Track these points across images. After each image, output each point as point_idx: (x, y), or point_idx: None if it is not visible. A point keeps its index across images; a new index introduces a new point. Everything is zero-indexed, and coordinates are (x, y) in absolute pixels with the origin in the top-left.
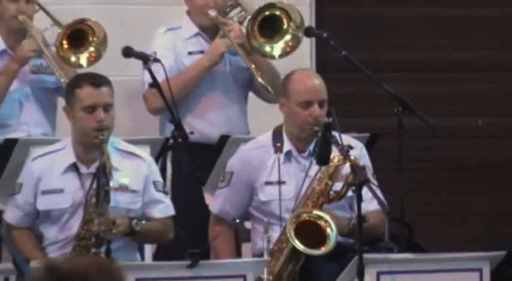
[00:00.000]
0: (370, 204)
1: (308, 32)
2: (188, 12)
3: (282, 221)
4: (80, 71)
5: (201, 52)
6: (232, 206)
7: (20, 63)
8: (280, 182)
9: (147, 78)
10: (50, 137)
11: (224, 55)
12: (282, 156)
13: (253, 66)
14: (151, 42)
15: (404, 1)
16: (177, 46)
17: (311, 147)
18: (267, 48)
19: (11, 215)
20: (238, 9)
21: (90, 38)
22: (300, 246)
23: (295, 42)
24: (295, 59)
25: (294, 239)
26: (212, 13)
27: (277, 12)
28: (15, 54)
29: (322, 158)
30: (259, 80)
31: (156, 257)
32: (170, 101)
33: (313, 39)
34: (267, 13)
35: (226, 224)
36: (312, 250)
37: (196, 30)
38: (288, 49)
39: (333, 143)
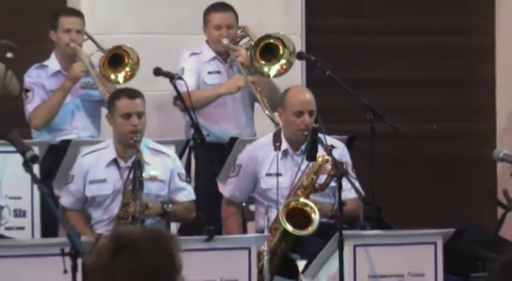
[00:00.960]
0: (350, 193)
1: (300, 56)
2: (207, 41)
3: (279, 205)
4: (118, 86)
5: (218, 72)
6: (240, 191)
7: (73, 81)
8: (278, 174)
9: (174, 92)
10: (96, 138)
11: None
12: (280, 153)
13: (252, 84)
14: (179, 63)
15: (373, 33)
16: (198, 67)
17: (303, 147)
18: (265, 69)
19: (65, 200)
20: (247, 38)
21: (126, 60)
22: (289, 228)
23: (288, 66)
24: (290, 77)
25: (286, 222)
26: (225, 41)
27: (274, 41)
28: (69, 74)
29: (310, 155)
30: (267, 113)
31: (180, 233)
32: (191, 110)
33: (304, 61)
34: (267, 41)
35: (235, 206)
36: (300, 231)
37: (213, 54)
38: (282, 71)
39: (319, 143)
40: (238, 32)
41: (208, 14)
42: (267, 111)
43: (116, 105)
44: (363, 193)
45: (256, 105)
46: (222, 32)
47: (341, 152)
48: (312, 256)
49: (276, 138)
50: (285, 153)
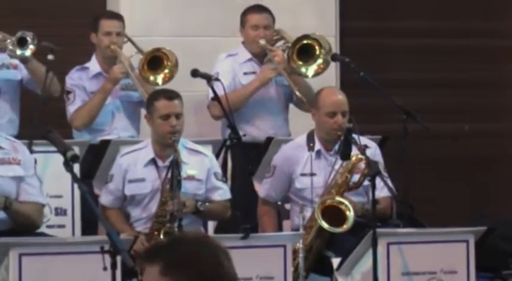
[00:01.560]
0: (382, 191)
1: (334, 58)
2: (243, 42)
3: (313, 204)
4: (156, 88)
5: (254, 73)
6: (276, 191)
7: (113, 83)
8: (312, 174)
9: (210, 93)
10: (135, 138)
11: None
12: (313, 154)
13: (292, 83)
14: (215, 65)
15: (405, 35)
16: (235, 68)
17: (336, 147)
18: (303, 70)
19: (105, 199)
20: (282, 41)
21: (165, 62)
22: (325, 225)
23: (325, 65)
24: (324, 78)
25: (321, 219)
26: (262, 42)
27: (311, 42)
28: (109, 76)
29: (345, 155)
30: (297, 93)
31: (217, 231)
32: (227, 111)
33: (338, 63)
34: (303, 42)
35: (270, 206)
36: (335, 228)
37: (249, 56)
38: (320, 71)
39: (353, 143)
40: (274, 34)
41: (246, 15)
42: (297, 92)
43: (154, 106)
44: (395, 191)
45: (291, 106)
46: (259, 32)
47: (373, 151)
48: (346, 253)
49: (310, 139)
50: (319, 153)
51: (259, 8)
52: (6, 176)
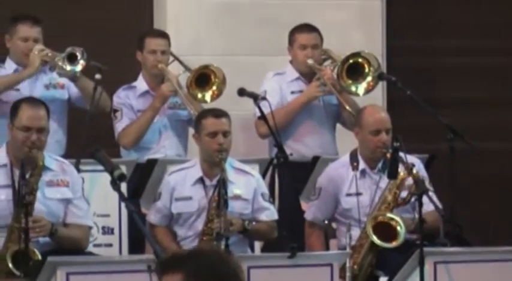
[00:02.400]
0: (428, 206)
1: (380, 76)
2: (291, 61)
3: (360, 223)
4: (205, 105)
5: (301, 91)
6: (322, 213)
7: (162, 102)
8: (358, 194)
9: (257, 112)
10: (182, 157)
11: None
12: (358, 173)
13: (342, 100)
14: (263, 83)
15: (452, 54)
16: (282, 87)
17: (380, 165)
18: (353, 88)
19: (153, 217)
20: (329, 60)
21: (213, 79)
22: (377, 241)
23: (375, 82)
24: (371, 97)
25: (373, 235)
26: (310, 62)
27: (360, 60)
28: (158, 94)
29: (392, 174)
30: (348, 108)
31: (264, 250)
32: (274, 130)
33: (385, 82)
34: (352, 60)
35: (317, 227)
36: (387, 244)
37: (297, 75)
38: (370, 88)
39: (400, 161)
40: (321, 54)
41: (294, 34)
42: (347, 107)
43: (202, 124)
44: (441, 207)
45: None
46: (307, 52)
47: (417, 167)
48: (393, 272)
49: (353, 158)
50: (363, 172)
51: (308, 28)
52: (54, 199)
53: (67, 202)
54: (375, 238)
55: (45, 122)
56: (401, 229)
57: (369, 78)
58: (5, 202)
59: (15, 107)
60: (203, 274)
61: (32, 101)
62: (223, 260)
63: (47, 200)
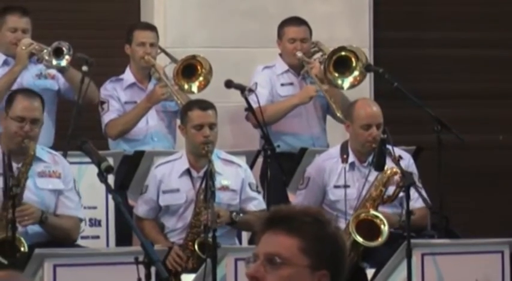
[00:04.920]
0: (417, 202)
1: (368, 68)
2: (280, 54)
3: (347, 215)
4: (192, 96)
5: (291, 84)
6: (309, 203)
7: (153, 103)
8: (345, 186)
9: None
10: (171, 149)
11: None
12: (347, 165)
13: (329, 97)
14: (253, 77)
15: (439, 45)
16: (272, 80)
17: (370, 158)
18: (339, 81)
19: (140, 210)
20: (320, 53)
21: (199, 70)
22: (359, 239)
23: (362, 77)
24: (358, 89)
25: (356, 234)
26: (299, 54)
27: (348, 54)
28: (150, 96)
29: (379, 166)
30: (333, 106)
31: (251, 241)
32: (261, 122)
33: (372, 73)
34: (340, 54)
35: None
36: (369, 242)
37: (286, 67)
38: (355, 83)
39: (387, 154)
40: (311, 46)
41: (283, 27)
42: (338, 113)
43: (188, 116)
44: (429, 202)
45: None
46: (296, 45)
47: (407, 162)
48: (380, 264)
49: (343, 150)
50: (352, 165)
51: (297, 21)
52: (46, 189)
53: (58, 193)
54: (357, 237)
55: (39, 114)
56: (384, 227)
57: (356, 73)
58: None
59: (11, 97)
60: (323, 247)
61: (27, 92)
62: (341, 235)
63: (39, 190)
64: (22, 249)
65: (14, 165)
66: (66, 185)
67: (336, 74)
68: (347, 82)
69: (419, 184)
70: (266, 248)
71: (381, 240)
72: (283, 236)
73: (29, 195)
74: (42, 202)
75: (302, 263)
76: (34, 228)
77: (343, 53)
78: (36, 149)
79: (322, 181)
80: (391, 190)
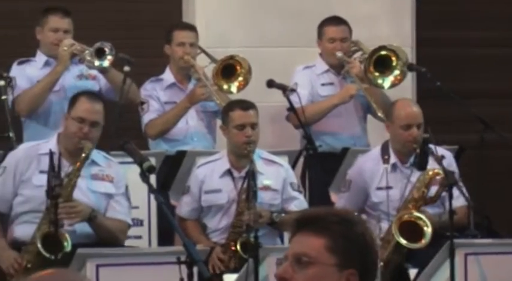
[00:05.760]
0: (458, 201)
1: (410, 68)
2: (320, 54)
3: (389, 217)
4: (232, 96)
5: (331, 84)
6: (352, 205)
7: (192, 103)
8: (388, 187)
9: (287, 104)
10: (211, 149)
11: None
12: (389, 166)
13: (369, 96)
14: (293, 77)
15: (482, 45)
16: (312, 80)
17: (411, 159)
18: (379, 81)
19: (182, 210)
20: (360, 52)
21: (239, 70)
22: (403, 241)
23: (402, 76)
24: (400, 88)
25: (399, 236)
26: (339, 54)
27: (388, 53)
28: (190, 96)
29: (421, 165)
30: (374, 106)
31: None
32: (303, 122)
33: (414, 73)
34: (380, 53)
35: None
36: (413, 244)
37: (326, 67)
38: (396, 82)
39: (430, 153)
40: (351, 46)
41: (323, 27)
42: (379, 113)
43: (230, 116)
44: (471, 201)
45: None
46: (336, 45)
47: (449, 160)
48: (423, 264)
49: (384, 151)
50: (394, 166)
51: (337, 21)
52: (97, 192)
53: (109, 197)
54: (401, 239)
55: (99, 117)
56: (428, 229)
57: (397, 72)
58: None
59: (74, 98)
60: (350, 245)
61: (91, 94)
62: (370, 233)
63: (91, 193)
64: (65, 244)
65: (66, 164)
66: (118, 190)
67: (377, 74)
68: (388, 81)
69: (460, 183)
70: (294, 249)
71: (424, 242)
72: (311, 237)
73: (81, 196)
74: (93, 204)
75: (329, 262)
76: (83, 228)
77: (383, 52)
78: (92, 152)
79: (364, 183)
80: (433, 190)
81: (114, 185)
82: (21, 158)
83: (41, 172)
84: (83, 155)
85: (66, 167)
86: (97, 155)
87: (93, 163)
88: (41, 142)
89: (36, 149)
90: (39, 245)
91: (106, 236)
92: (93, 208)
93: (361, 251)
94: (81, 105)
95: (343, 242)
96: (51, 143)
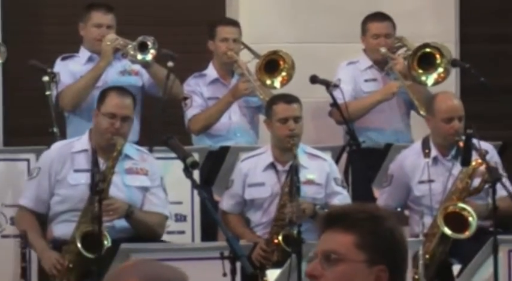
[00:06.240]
0: (501, 190)
1: (453, 63)
2: (364, 50)
3: (432, 211)
4: (274, 91)
5: (374, 80)
6: (394, 200)
7: (236, 98)
8: (430, 181)
9: (330, 99)
10: (254, 144)
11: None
12: (430, 160)
13: (409, 88)
14: (336, 72)
15: None
16: (355, 76)
17: (453, 152)
18: (423, 78)
19: (225, 204)
20: (404, 49)
21: (282, 65)
22: (448, 232)
23: (446, 74)
24: (444, 84)
25: (444, 226)
26: (383, 50)
27: (432, 50)
28: (233, 91)
29: (465, 161)
30: (416, 102)
31: None
32: (347, 117)
33: (458, 68)
34: (424, 50)
35: None
36: (458, 234)
37: (370, 63)
38: (439, 79)
39: (473, 148)
40: (395, 42)
41: (367, 23)
42: (421, 111)
43: (273, 110)
44: None
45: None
46: (380, 40)
47: (491, 153)
48: (467, 260)
49: (425, 145)
50: (435, 159)
51: (381, 17)
52: (133, 186)
53: (145, 190)
54: (446, 229)
55: (130, 111)
56: (473, 220)
57: (440, 70)
58: (83, 186)
59: (103, 94)
60: (379, 241)
61: (120, 89)
62: (399, 229)
63: (126, 187)
64: (105, 242)
65: (101, 161)
66: (153, 182)
67: (420, 71)
68: (431, 79)
69: (503, 173)
70: (323, 247)
71: (469, 233)
72: (339, 234)
73: (116, 192)
74: (129, 198)
75: (358, 259)
76: (121, 222)
77: (427, 50)
78: (124, 146)
79: (406, 177)
80: (476, 181)
81: (149, 178)
82: (55, 158)
83: (76, 170)
84: (115, 153)
85: (101, 164)
86: (129, 148)
87: (126, 157)
88: (73, 139)
89: (68, 148)
90: (79, 245)
91: (144, 231)
92: (130, 204)
93: (390, 247)
94: (111, 100)
95: (371, 238)
96: (83, 141)
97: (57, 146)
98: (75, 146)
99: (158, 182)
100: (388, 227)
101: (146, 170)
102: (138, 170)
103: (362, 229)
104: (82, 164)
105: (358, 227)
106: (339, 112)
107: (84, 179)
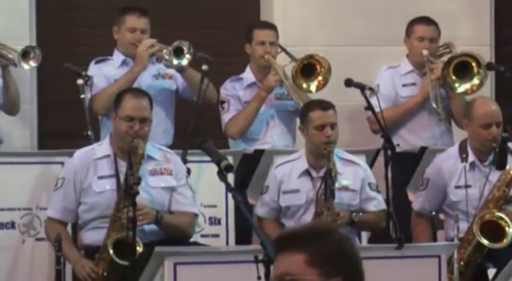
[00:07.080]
0: None
1: (489, 67)
2: (407, 55)
3: (468, 216)
4: (310, 95)
5: (413, 84)
6: (430, 204)
7: (267, 91)
8: (467, 186)
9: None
10: (291, 148)
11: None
12: (467, 165)
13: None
14: (376, 77)
15: None
16: (394, 80)
17: (490, 158)
18: (456, 85)
19: (261, 210)
20: (450, 55)
21: (318, 69)
22: (484, 242)
23: (478, 87)
24: None
25: (480, 236)
26: (425, 52)
27: (469, 59)
28: (263, 84)
29: (500, 164)
30: (439, 111)
31: (370, 241)
32: (381, 121)
33: (493, 72)
34: (462, 59)
35: (424, 217)
36: (494, 244)
37: (411, 68)
38: (470, 92)
39: (509, 152)
40: (442, 48)
41: (413, 25)
42: (457, 125)
43: (309, 116)
44: None
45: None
46: (425, 44)
47: None
48: (502, 264)
49: (462, 150)
50: (473, 165)
51: (427, 20)
52: (158, 187)
53: (171, 190)
54: (482, 239)
55: (148, 113)
56: (509, 229)
57: (476, 81)
58: (109, 192)
59: (119, 97)
60: (329, 255)
61: (135, 91)
62: (347, 240)
63: (151, 189)
64: (138, 248)
65: (123, 164)
66: (179, 182)
67: (454, 78)
68: (463, 88)
69: None
70: (277, 271)
71: (505, 242)
72: (290, 255)
73: (141, 193)
74: (155, 200)
75: (312, 276)
76: (151, 226)
77: (466, 59)
78: (146, 148)
79: (442, 181)
80: None
81: (174, 178)
82: (78, 167)
83: (100, 177)
84: (140, 152)
85: (124, 168)
86: (151, 148)
87: (149, 158)
88: (95, 145)
89: (90, 155)
90: (111, 253)
91: (175, 233)
92: (158, 210)
93: (341, 258)
94: (127, 103)
95: (320, 253)
96: (104, 146)
97: (78, 154)
98: (96, 152)
99: (184, 181)
100: (336, 239)
101: (170, 169)
102: (162, 170)
103: (310, 246)
104: (105, 170)
105: (306, 245)
106: (375, 120)
107: (109, 185)
